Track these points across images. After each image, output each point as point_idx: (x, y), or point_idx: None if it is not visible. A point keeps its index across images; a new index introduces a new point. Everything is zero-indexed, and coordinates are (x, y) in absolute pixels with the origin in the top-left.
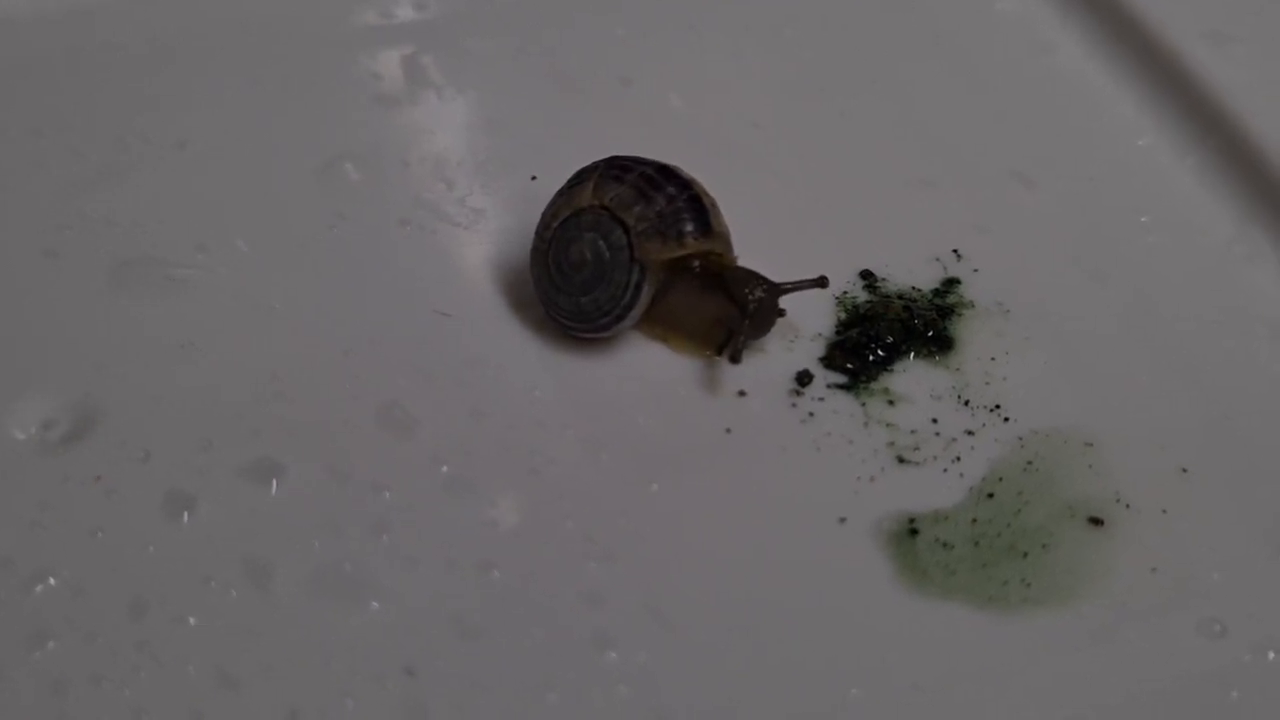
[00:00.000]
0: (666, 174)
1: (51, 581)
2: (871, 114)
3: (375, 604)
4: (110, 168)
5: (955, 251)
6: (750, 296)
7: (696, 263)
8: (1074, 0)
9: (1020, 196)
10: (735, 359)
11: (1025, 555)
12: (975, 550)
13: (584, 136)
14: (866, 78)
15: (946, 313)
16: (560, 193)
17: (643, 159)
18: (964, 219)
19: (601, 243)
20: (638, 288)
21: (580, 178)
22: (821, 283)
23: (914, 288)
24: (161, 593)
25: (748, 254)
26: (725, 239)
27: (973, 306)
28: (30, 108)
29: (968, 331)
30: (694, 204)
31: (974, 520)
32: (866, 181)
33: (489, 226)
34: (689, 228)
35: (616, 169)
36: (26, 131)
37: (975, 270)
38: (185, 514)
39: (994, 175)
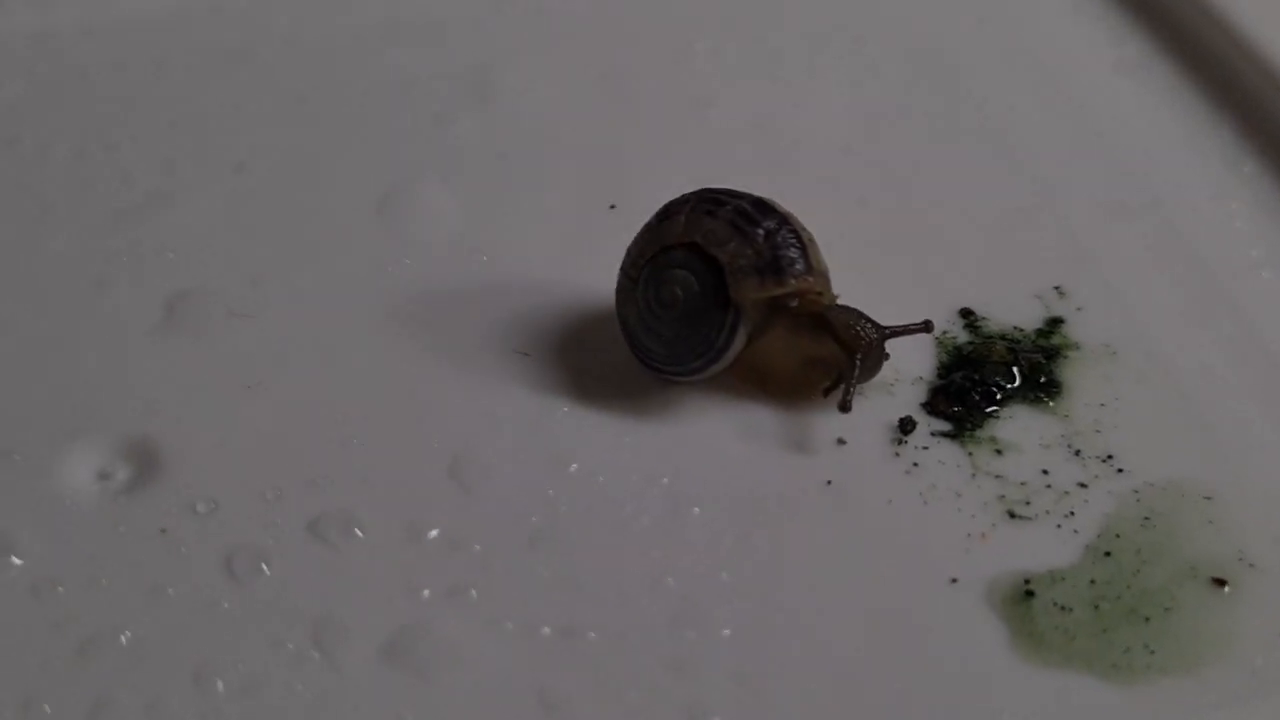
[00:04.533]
0: (762, 208)
1: (111, 644)
2: (960, 137)
3: (456, 670)
4: (162, 192)
5: (1057, 288)
6: (861, 338)
7: (795, 301)
8: (1169, 23)
9: (1121, 229)
10: (845, 407)
11: (1147, 619)
12: (1095, 614)
13: (662, 162)
14: (953, 99)
15: (1052, 354)
16: (648, 227)
17: (736, 191)
18: (1064, 252)
19: (694, 281)
20: (733, 329)
21: (669, 212)
22: (927, 327)
23: (1016, 327)
24: (229, 659)
25: (839, 290)
26: (825, 276)
27: (1078, 348)
28: (75, 127)
29: (1074, 375)
30: (793, 240)
31: (1092, 581)
32: (959, 211)
33: (567, 259)
34: (789, 265)
35: (709, 202)
36: (71, 153)
37: (1079, 309)
38: (255, 572)
39: (1093, 205)
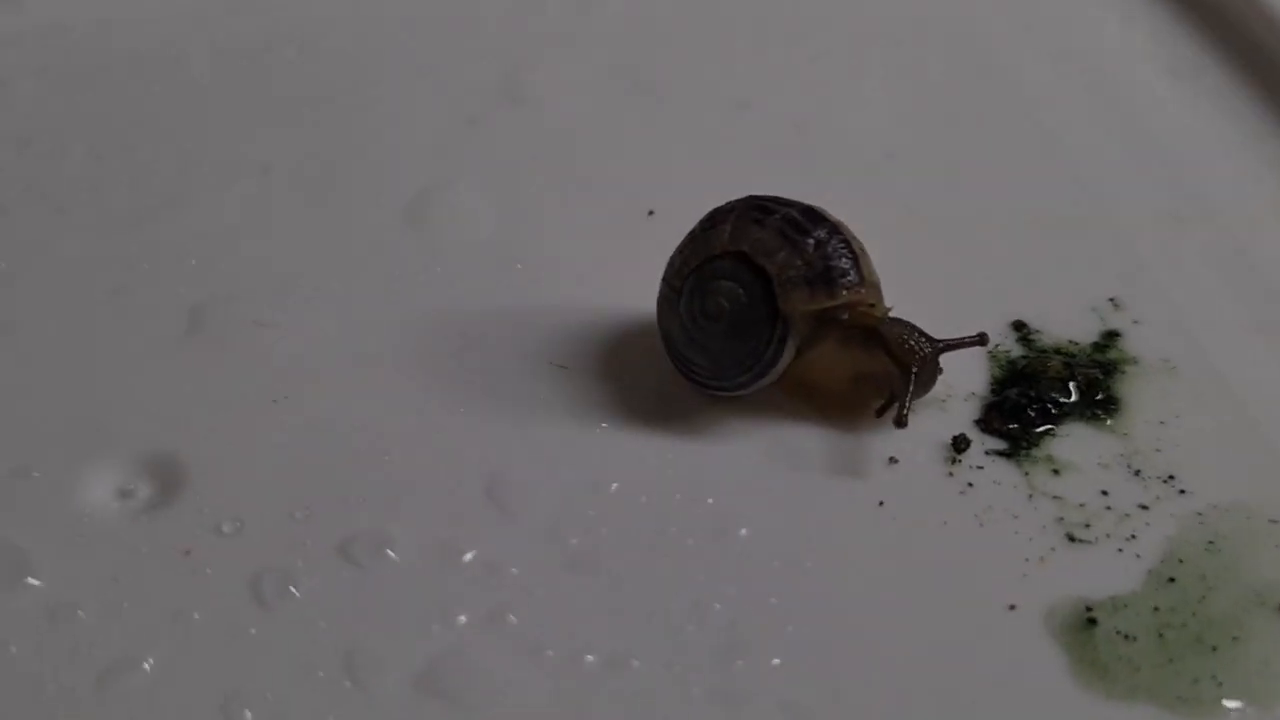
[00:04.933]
0: (813, 216)
1: (134, 672)
2: (1008, 142)
3: (495, 700)
4: (182, 196)
5: (1112, 300)
6: (916, 352)
7: (846, 314)
8: (1221, 22)
9: (1177, 238)
10: (902, 423)
11: (1214, 649)
12: (1160, 643)
13: (700, 166)
14: (1000, 102)
15: (1109, 369)
16: (692, 236)
17: (785, 199)
18: (1118, 263)
19: (741, 293)
20: (781, 342)
21: (715, 220)
22: (982, 340)
23: (1071, 341)
24: (257, 688)
25: (886, 302)
26: (877, 288)
27: (1136, 363)
28: (90, 127)
29: (1132, 391)
30: (845, 250)
31: (1156, 608)
32: (1008, 219)
33: (605, 266)
34: (840, 276)
35: (756, 210)
36: (86, 154)
37: (1135, 322)
38: (283, 596)
39: (1147, 213)
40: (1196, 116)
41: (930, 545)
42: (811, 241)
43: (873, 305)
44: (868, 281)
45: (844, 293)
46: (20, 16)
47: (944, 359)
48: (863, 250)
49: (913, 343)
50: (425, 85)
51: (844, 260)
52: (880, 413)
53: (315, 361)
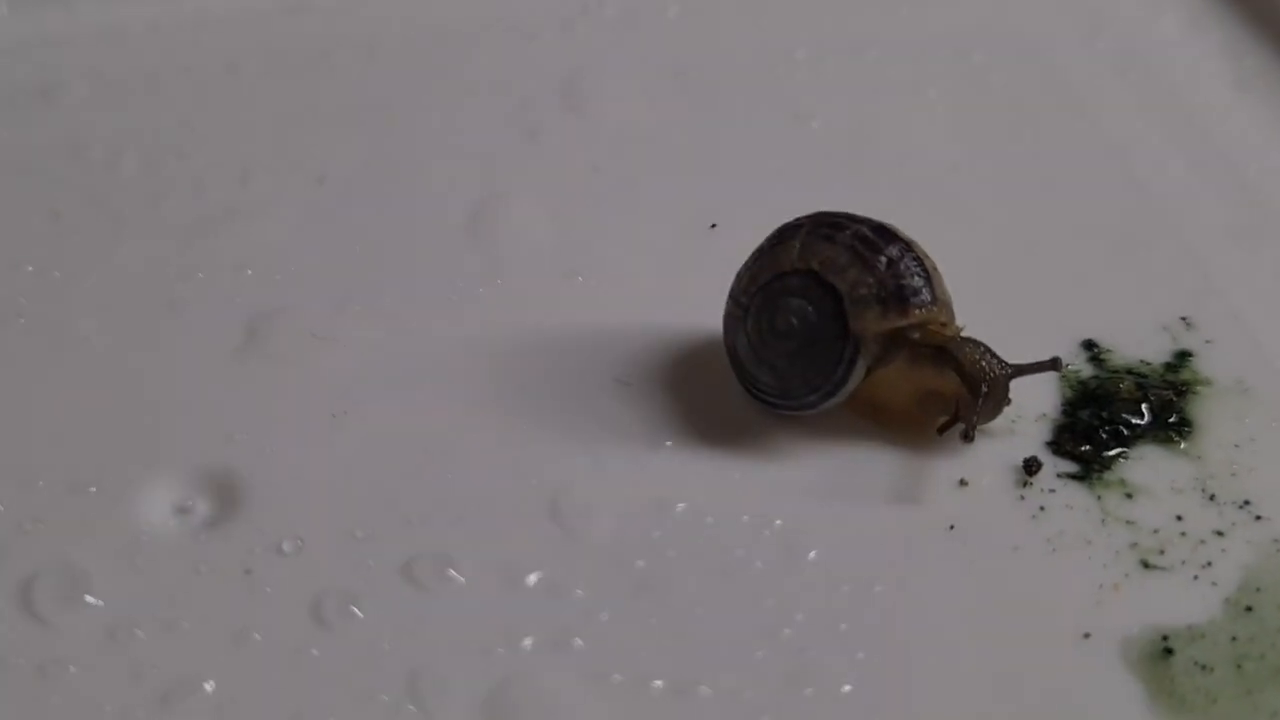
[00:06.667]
0: (884, 234)
1: (195, 694)
2: (1074, 156)
3: None
4: (238, 205)
5: (1184, 319)
6: (986, 374)
7: (917, 333)
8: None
9: (1248, 255)
10: (969, 437)
11: None
12: (1238, 674)
13: (761, 178)
14: (1066, 115)
15: (1182, 390)
16: (760, 251)
17: (855, 216)
18: (1190, 280)
19: (810, 311)
20: (851, 362)
21: (783, 236)
22: (1055, 365)
23: (1143, 361)
24: (320, 712)
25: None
26: (949, 306)
27: (1210, 384)
28: (144, 134)
29: (1206, 413)
30: (917, 268)
31: (1233, 638)
32: (1076, 234)
33: (668, 280)
34: (913, 295)
35: (826, 227)
36: (141, 162)
37: (1208, 341)
38: (346, 617)
39: (1218, 229)
40: (1265, 130)
41: (1002, 570)
42: (884, 260)
43: (944, 324)
44: (940, 300)
45: (917, 312)
46: (72, 19)
47: (1013, 382)
48: (935, 268)
49: (985, 363)
50: (482, 93)
51: (916, 279)
52: (942, 430)
53: (373, 375)
